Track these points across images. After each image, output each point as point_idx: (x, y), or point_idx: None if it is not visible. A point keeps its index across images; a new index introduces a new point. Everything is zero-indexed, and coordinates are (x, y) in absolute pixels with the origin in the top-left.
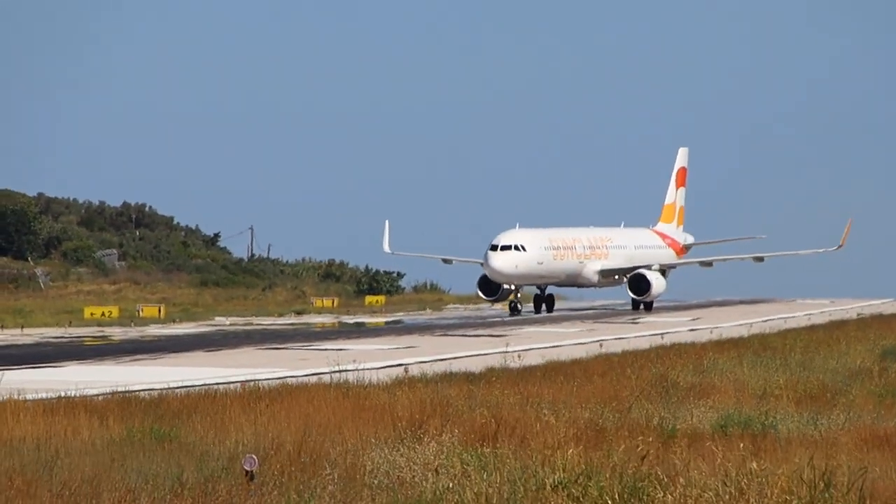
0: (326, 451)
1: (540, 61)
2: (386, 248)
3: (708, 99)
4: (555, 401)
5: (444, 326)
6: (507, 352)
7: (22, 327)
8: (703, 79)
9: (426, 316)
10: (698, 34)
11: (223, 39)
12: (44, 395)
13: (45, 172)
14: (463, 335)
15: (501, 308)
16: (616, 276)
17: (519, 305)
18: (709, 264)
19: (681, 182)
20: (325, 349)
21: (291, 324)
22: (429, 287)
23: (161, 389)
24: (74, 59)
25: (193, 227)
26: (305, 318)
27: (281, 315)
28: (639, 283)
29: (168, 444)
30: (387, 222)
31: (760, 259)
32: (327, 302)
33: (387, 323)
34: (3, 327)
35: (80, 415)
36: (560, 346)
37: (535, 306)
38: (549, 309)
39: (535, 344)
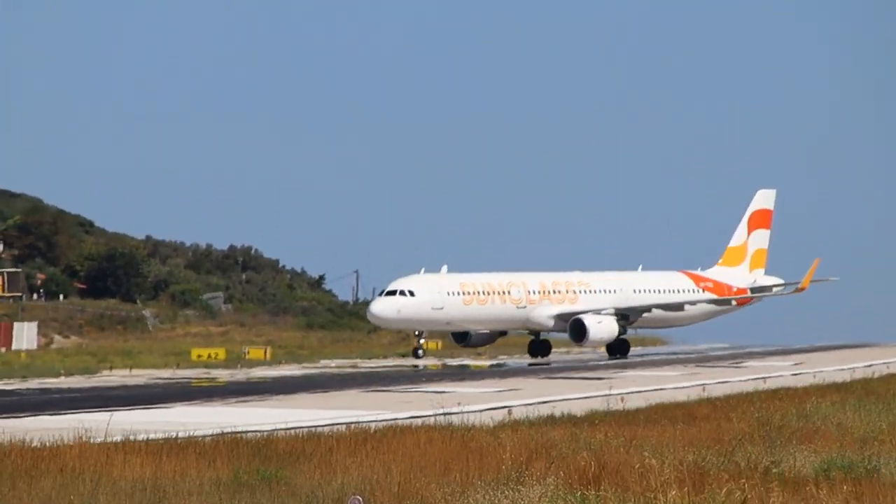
0: (432, 492)
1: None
2: None
3: (797, 138)
4: (658, 443)
5: (548, 370)
6: (609, 394)
7: (130, 368)
8: (787, 119)
9: (529, 359)
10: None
11: (336, 82)
12: (153, 437)
13: (154, 216)
14: (566, 377)
15: (602, 352)
16: None
17: (420, 351)
18: (680, 307)
19: (758, 224)
20: (430, 391)
21: (396, 366)
22: None
23: (268, 431)
24: (181, 108)
25: (299, 270)
26: (410, 361)
27: (385, 358)
28: (577, 329)
29: (275, 485)
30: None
31: (717, 303)
32: (431, 344)
33: (490, 366)
34: (112, 368)
35: (188, 456)
36: (663, 389)
37: (531, 353)
38: (544, 355)
39: (638, 387)
